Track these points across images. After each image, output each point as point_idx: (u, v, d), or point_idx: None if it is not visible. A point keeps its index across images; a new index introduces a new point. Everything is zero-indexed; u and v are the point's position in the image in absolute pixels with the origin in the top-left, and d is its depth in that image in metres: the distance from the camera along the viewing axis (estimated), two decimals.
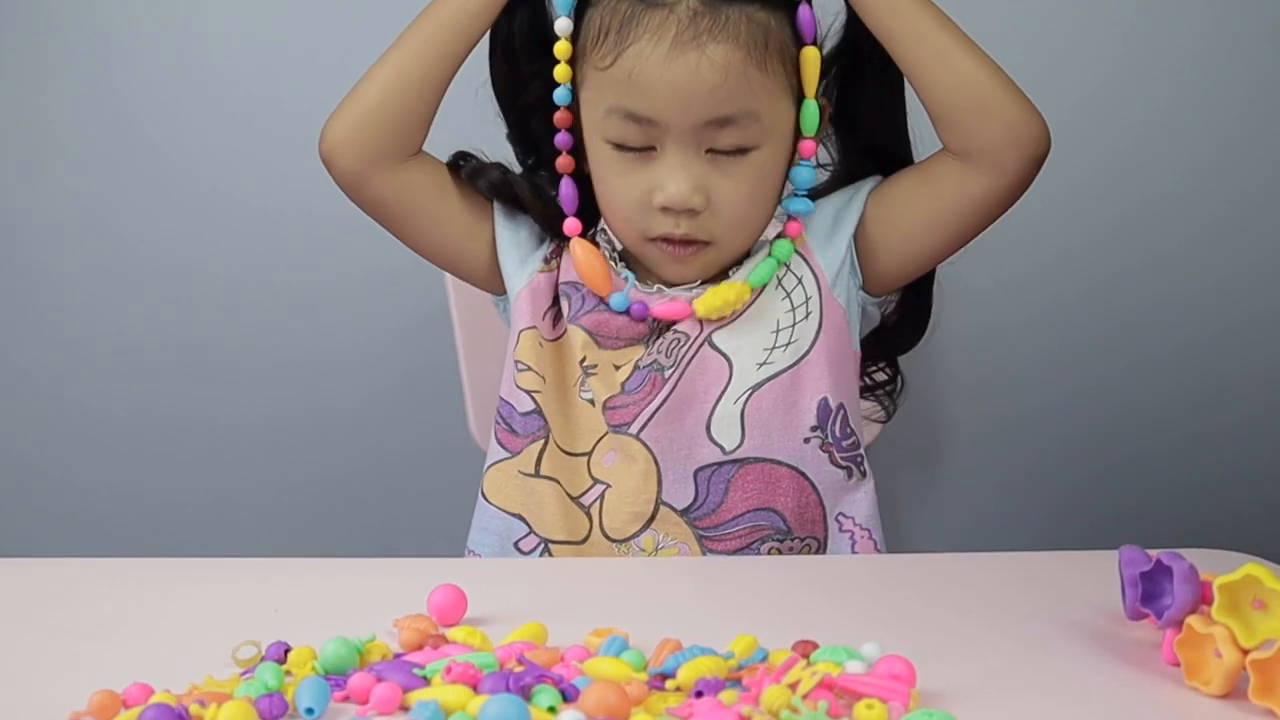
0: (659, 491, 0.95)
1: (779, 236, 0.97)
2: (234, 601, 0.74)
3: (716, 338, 0.96)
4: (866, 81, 0.97)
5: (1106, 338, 1.53)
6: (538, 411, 0.98)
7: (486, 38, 0.97)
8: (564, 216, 0.98)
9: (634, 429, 0.95)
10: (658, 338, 0.97)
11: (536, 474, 0.97)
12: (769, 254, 0.96)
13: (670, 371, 0.96)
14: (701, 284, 0.97)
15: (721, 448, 0.95)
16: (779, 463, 0.95)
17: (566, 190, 0.97)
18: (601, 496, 0.96)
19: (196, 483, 1.47)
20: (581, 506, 0.96)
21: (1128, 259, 1.53)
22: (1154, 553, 0.64)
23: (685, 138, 0.90)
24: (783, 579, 0.82)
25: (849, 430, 0.98)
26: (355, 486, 1.43)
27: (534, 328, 0.99)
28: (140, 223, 1.44)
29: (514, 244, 1.01)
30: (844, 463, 0.97)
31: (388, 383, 1.37)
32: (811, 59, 0.93)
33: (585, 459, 0.97)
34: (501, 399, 1.01)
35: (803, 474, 0.96)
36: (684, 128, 0.90)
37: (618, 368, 0.97)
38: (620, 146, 0.92)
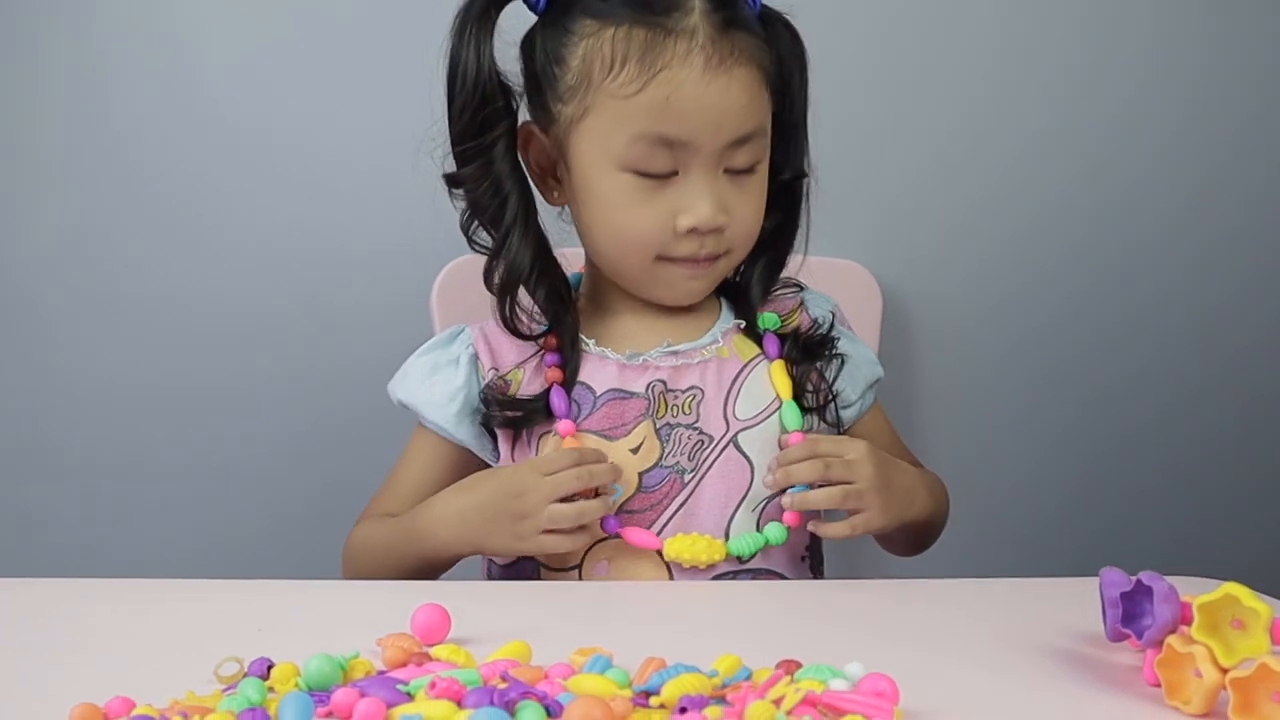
0: None
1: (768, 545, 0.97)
2: (217, 621, 0.74)
3: (742, 439, 0.98)
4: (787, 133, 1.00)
5: (1085, 369, 1.55)
6: (527, 557, 0.98)
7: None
8: (535, 409, 0.98)
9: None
10: (662, 410, 0.98)
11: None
12: (759, 530, 0.96)
13: (691, 476, 0.97)
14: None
15: (738, 557, 0.95)
16: (781, 575, 0.98)
17: (558, 400, 0.97)
18: None
19: (179, 509, 1.47)
20: None
21: (1109, 289, 1.55)
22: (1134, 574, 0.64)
23: (709, 160, 0.92)
24: (767, 603, 0.82)
25: (821, 555, 1.05)
26: (334, 511, 1.42)
27: None
28: (130, 255, 1.43)
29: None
30: (820, 576, 1.04)
31: (366, 410, 1.36)
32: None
33: (576, 571, 0.96)
34: (488, 560, 1.04)
35: None
36: (712, 149, 0.91)
37: (635, 450, 0.97)
38: (642, 174, 0.92)
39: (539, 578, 0.97)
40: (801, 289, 1.07)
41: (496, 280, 0.98)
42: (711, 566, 0.94)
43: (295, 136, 1.43)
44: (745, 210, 0.96)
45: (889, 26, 1.49)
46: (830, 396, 1.02)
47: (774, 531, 0.95)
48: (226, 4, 1.42)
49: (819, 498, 0.92)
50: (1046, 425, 1.55)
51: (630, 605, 0.81)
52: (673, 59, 0.89)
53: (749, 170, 0.95)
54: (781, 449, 0.96)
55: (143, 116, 1.42)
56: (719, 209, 0.93)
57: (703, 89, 0.89)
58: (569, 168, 0.96)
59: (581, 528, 0.90)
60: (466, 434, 1.01)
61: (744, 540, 0.94)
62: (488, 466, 1.02)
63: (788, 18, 0.99)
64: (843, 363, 1.03)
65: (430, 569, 0.97)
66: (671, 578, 0.94)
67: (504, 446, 0.99)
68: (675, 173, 0.92)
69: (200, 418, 1.45)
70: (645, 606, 0.80)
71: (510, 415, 0.98)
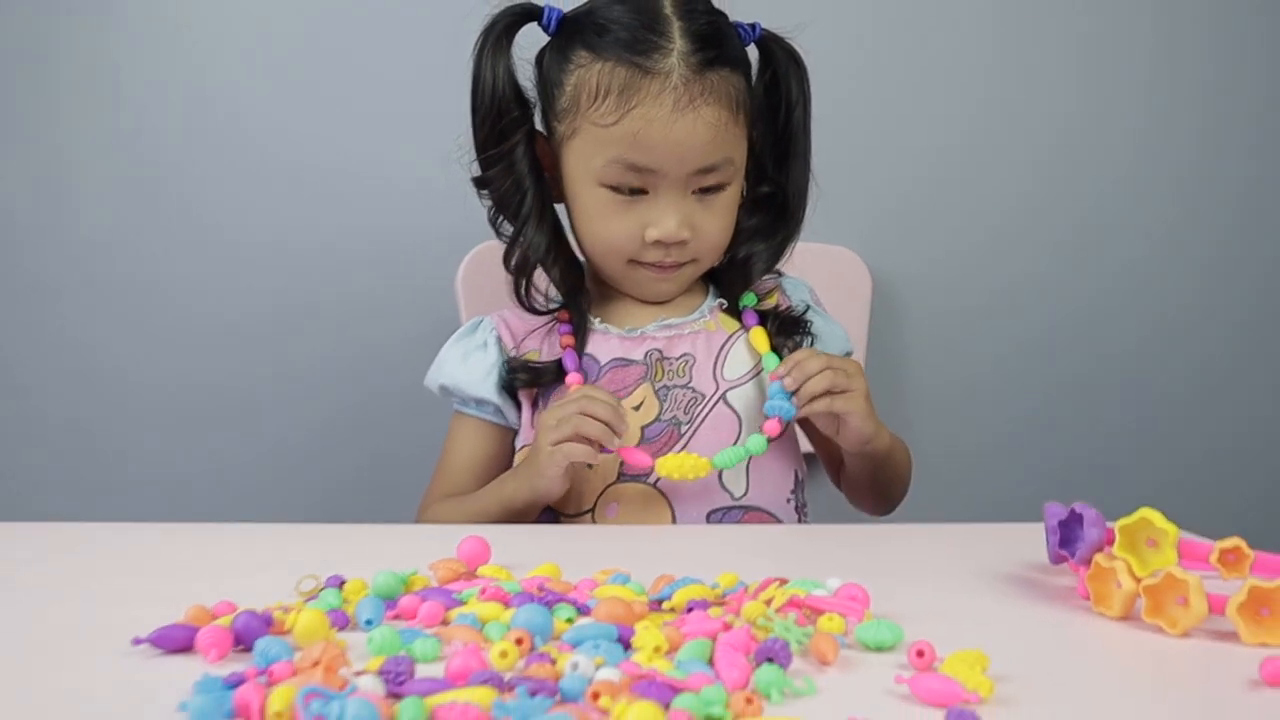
0: None
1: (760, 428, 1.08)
2: (291, 555, 0.85)
3: (730, 396, 1.10)
4: (788, 157, 1.13)
5: (1061, 353, 1.67)
6: (546, 508, 1.10)
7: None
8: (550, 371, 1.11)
9: (652, 479, 1.08)
10: (660, 375, 1.10)
11: None
12: (743, 445, 1.05)
13: (686, 428, 1.09)
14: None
15: (731, 494, 1.09)
16: (769, 513, 1.11)
17: (569, 360, 1.11)
18: None
19: (230, 493, 1.60)
20: None
21: (1087, 278, 1.66)
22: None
23: (676, 183, 1.05)
24: (759, 541, 0.94)
25: (805, 499, 1.16)
26: (376, 485, 1.55)
27: (528, 445, 1.12)
28: (179, 254, 1.57)
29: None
30: (805, 522, 1.15)
31: (404, 388, 1.49)
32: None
33: (589, 514, 1.09)
34: None
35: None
36: (678, 176, 1.04)
37: (638, 408, 1.10)
38: (616, 190, 1.05)
39: (558, 523, 1.09)
40: (779, 275, 1.19)
41: (514, 263, 1.11)
42: (708, 503, 1.07)
43: (331, 144, 1.57)
44: (711, 226, 1.09)
45: (887, 24, 1.60)
46: None
47: (754, 442, 1.05)
48: (274, 10, 1.56)
49: (817, 387, 1.04)
50: (1025, 404, 1.67)
51: (642, 542, 0.92)
52: (646, 97, 1.02)
53: (717, 190, 1.07)
54: (767, 382, 1.08)
55: (159, 118, 1.56)
56: (683, 225, 1.06)
57: (670, 126, 1.02)
58: (562, 176, 1.10)
59: (590, 442, 1.00)
60: (502, 402, 1.13)
61: (727, 454, 1.04)
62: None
63: (789, 40, 1.11)
64: (814, 340, 1.15)
65: (509, 518, 1.07)
66: (674, 518, 1.06)
67: (525, 409, 1.13)
68: (646, 191, 1.05)
69: (248, 403, 1.59)
70: (655, 543, 0.92)
71: (530, 377, 1.11)
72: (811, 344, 1.16)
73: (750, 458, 1.07)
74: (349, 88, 1.56)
